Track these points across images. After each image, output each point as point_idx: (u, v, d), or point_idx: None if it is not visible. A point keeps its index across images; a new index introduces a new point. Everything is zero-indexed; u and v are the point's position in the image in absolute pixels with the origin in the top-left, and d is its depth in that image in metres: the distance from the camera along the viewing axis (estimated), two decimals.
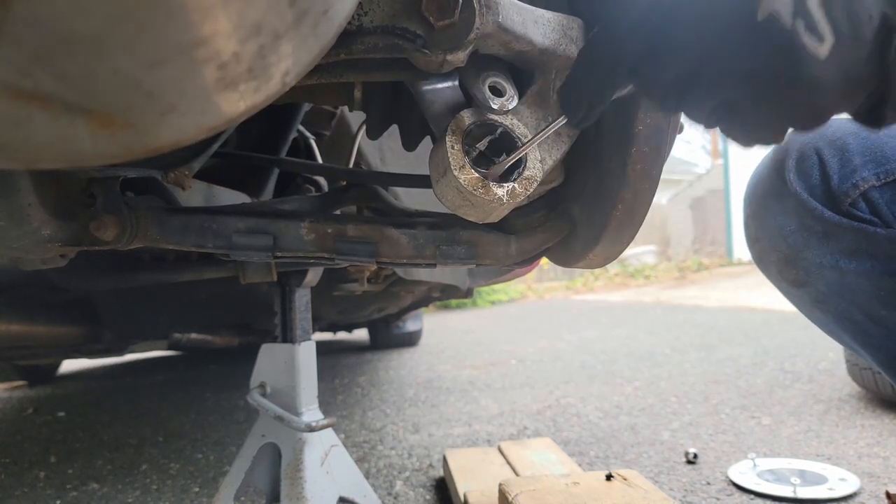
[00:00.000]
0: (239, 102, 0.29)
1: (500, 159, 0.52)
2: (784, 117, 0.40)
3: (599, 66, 0.45)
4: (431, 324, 5.30)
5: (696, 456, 1.46)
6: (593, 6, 0.57)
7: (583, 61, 0.47)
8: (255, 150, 0.96)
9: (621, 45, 0.43)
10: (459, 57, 0.48)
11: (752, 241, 0.83)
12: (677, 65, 0.41)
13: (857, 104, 0.40)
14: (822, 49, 0.36)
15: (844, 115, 0.43)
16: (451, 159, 0.50)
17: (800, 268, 0.76)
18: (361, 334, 4.18)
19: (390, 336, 3.80)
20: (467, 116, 0.52)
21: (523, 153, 0.52)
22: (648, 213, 0.69)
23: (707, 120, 0.43)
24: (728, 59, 0.39)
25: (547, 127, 0.51)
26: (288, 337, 1.16)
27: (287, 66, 0.30)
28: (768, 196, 0.78)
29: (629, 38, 0.42)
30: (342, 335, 4.40)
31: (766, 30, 0.37)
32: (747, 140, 0.43)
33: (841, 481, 1.26)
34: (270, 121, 0.97)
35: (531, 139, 0.51)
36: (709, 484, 1.32)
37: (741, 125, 0.42)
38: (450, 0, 0.46)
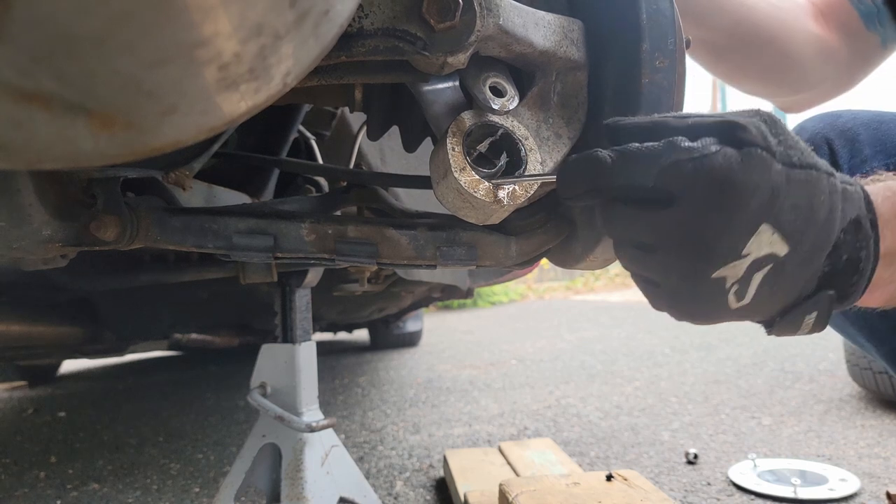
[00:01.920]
0: (240, 103, 0.29)
1: (501, 161, 0.52)
2: (678, 314, 0.49)
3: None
4: (432, 324, 5.30)
5: (696, 456, 1.46)
6: (594, 8, 0.57)
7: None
8: (256, 150, 0.96)
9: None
10: (460, 59, 0.48)
11: None
12: (645, 235, 0.47)
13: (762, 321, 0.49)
14: (736, 305, 0.45)
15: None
16: (451, 161, 0.50)
17: None
18: (362, 335, 4.18)
19: (390, 336, 3.80)
20: (468, 118, 0.52)
21: (526, 177, 0.53)
22: None
23: (637, 280, 0.51)
24: (669, 269, 0.46)
25: (543, 175, 0.52)
26: (288, 337, 1.16)
27: (288, 66, 0.30)
28: None
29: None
30: (342, 335, 4.40)
31: (710, 283, 0.43)
32: (657, 308, 0.51)
33: (841, 482, 1.26)
34: (271, 121, 0.97)
35: (535, 176, 0.52)
36: (709, 484, 1.32)
37: (652, 294, 0.50)
38: (451, 2, 0.46)
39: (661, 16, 0.54)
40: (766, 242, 0.42)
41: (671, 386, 2.33)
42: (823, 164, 0.44)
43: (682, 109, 0.58)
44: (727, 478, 1.34)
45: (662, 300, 0.48)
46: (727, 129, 0.41)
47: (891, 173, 0.53)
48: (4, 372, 2.94)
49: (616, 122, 0.47)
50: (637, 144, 0.43)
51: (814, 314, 0.46)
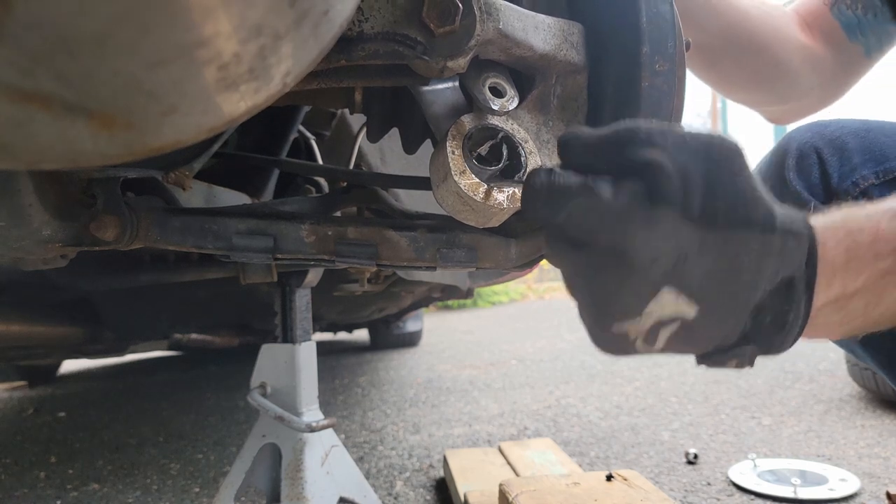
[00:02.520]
0: (240, 103, 0.29)
1: (501, 164, 0.52)
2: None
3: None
4: (432, 324, 5.30)
5: (696, 456, 1.46)
6: (594, 11, 0.57)
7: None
8: (256, 150, 0.96)
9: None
10: (460, 63, 0.48)
11: None
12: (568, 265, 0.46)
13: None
14: (646, 350, 0.43)
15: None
16: (451, 164, 0.50)
17: None
18: (362, 335, 4.18)
19: (390, 336, 3.80)
20: (468, 121, 0.52)
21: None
22: None
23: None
24: (580, 306, 0.46)
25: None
26: (288, 337, 1.16)
27: (288, 66, 0.30)
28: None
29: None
30: (342, 335, 4.40)
31: (613, 334, 0.42)
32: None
33: (841, 482, 1.26)
34: (271, 121, 0.97)
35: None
36: (709, 484, 1.32)
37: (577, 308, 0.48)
38: (450, 7, 0.46)
39: (662, 19, 0.54)
40: (670, 304, 0.40)
41: (671, 386, 2.33)
42: (766, 213, 0.40)
43: (682, 112, 0.58)
44: (727, 478, 1.34)
45: (581, 311, 0.47)
46: (652, 174, 0.38)
47: (870, 200, 0.50)
48: (4, 372, 2.94)
49: (569, 135, 0.43)
50: (560, 174, 0.40)
51: (734, 360, 0.44)
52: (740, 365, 0.44)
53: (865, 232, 0.43)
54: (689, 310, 0.40)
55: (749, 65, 0.91)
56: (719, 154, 0.39)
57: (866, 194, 0.72)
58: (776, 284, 0.41)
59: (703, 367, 0.46)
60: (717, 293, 0.40)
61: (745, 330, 0.42)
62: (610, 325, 0.42)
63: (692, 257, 0.38)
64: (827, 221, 0.44)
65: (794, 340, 0.44)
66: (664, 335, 0.41)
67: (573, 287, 0.44)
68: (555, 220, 0.40)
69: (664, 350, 0.43)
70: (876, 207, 0.45)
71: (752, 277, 0.40)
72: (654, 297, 0.39)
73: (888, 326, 0.46)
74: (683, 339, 0.42)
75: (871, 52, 0.90)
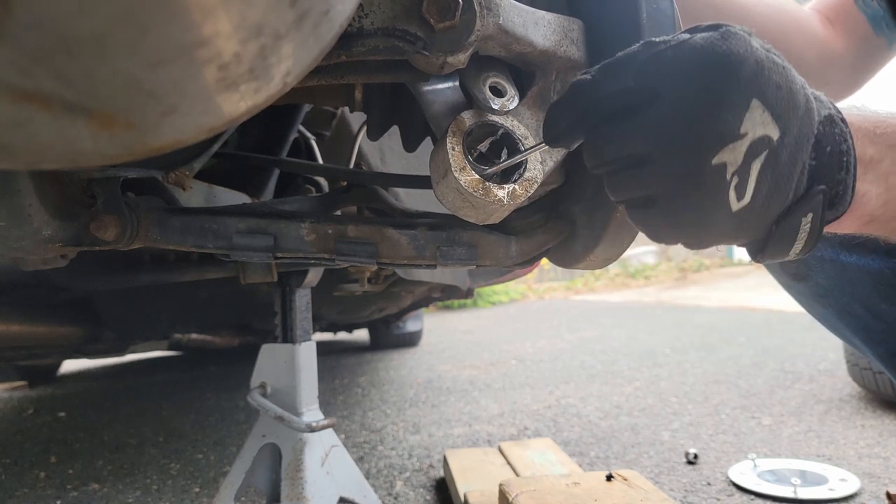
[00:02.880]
0: (240, 103, 0.29)
1: (501, 161, 0.52)
2: (677, 235, 0.47)
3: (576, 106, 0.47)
4: (432, 324, 5.30)
5: (696, 456, 1.46)
6: (594, 7, 0.57)
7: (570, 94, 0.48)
8: (256, 150, 0.96)
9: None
10: (460, 59, 0.48)
11: None
12: (633, 146, 0.45)
13: (745, 243, 0.48)
14: (737, 205, 0.43)
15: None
16: (451, 161, 0.50)
17: (801, 261, 0.76)
18: (362, 335, 4.18)
19: (390, 336, 3.80)
20: (468, 118, 0.52)
21: (518, 160, 0.52)
22: None
23: (629, 205, 0.49)
24: (666, 174, 0.44)
25: (535, 147, 0.51)
26: (288, 337, 1.16)
27: (288, 66, 0.30)
28: None
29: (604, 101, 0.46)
30: (342, 335, 4.40)
31: (711, 173, 0.42)
32: (654, 236, 0.49)
33: (841, 482, 1.26)
34: (271, 121, 0.97)
35: (528, 150, 0.51)
36: (709, 484, 1.32)
37: (648, 218, 0.48)
38: (450, 2, 0.46)
39: (662, 15, 0.54)
40: (759, 121, 0.41)
41: (671, 386, 2.33)
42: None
43: None
44: (727, 478, 1.34)
45: (659, 219, 0.46)
46: (700, 29, 0.43)
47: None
48: (4, 372, 2.94)
49: (582, 77, 0.46)
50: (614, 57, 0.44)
51: (809, 216, 0.44)
52: (812, 233, 0.45)
53: (876, 115, 0.48)
54: (773, 130, 0.42)
55: None
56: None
57: None
58: (822, 118, 0.45)
59: (761, 263, 0.46)
60: (789, 111, 0.42)
61: (811, 169, 0.44)
62: (711, 156, 0.41)
63: (766, 67, 0.41)
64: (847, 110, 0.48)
65: (853, 183, 0.45)
66: (755, 170, 0.42)
67: (658, 144, 0.43)
68: (626, 87, 0.43)
69: (753, 204, 0.43)
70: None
71: (806, 102, 0.43)
72: (747, 111, 0.41)
73: None
74: (770, 172, 0.42)
75: (894, 44, 0.90)
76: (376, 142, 0.82)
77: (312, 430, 1.07)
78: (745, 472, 1.34)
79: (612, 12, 0.55)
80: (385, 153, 1.11)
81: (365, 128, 0.74)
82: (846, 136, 0.45)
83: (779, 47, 0.92)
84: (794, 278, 0.79)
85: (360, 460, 1.61)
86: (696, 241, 0.46)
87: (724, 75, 0.40)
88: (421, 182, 0.80)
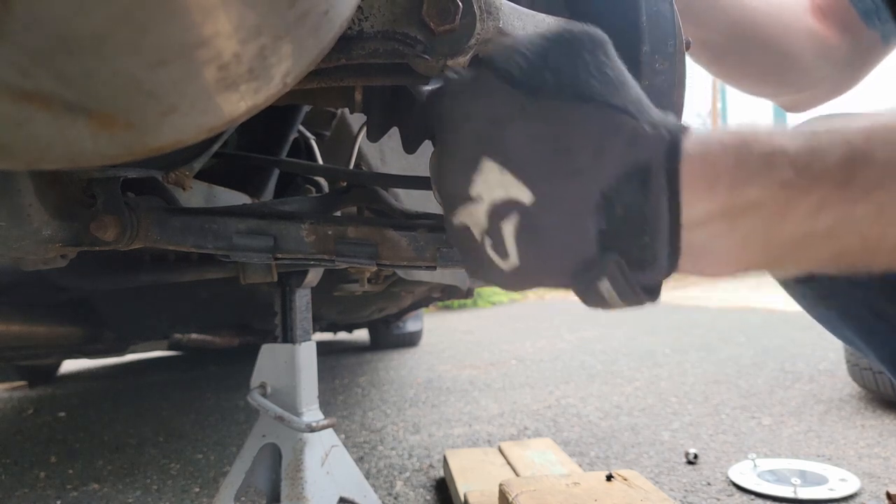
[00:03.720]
0: (239, 103, 0.29)
1: None
2: (487, 283, 0.44)
3: None
4: (432, 324, 5.30)
5: (696, 456, 1.46)
6: (593, 10, 0.57)
7: None
8: (256, 150, 0.96)
9: None
10: (460, 62, 0.48)
11: None
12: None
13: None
14: (505, 265, 0.38)
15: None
16: None
17: None
18: (362, 335, 4.18)
19: (390, 336, 3.80)
20: None
21: None
22: None
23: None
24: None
25: None
26: (288, 337, 1.16)
27: (287, 66, 0.30)
28: None
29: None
30: (342, 335, 4.40)
31: (460, 232, 0.40)
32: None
33: (841, 482, 1.26)
34: (271, 121, 0.97)
35: None
36: (709, 484, 1.32)
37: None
38: (450, 5, 0.46)
39: (662, 18, 0.54)
40: (497, 183, 0.36)
41: (671, 386, 2.33)
42: (617, 93, 0.36)
43: (682, 111, 0.58)
44: (727, 478, 1.34)
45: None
46: (487, 54, 0.37)
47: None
48: (4, 372, 2.94)
49: None
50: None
51: (605, 283, 0.37)
52: (622, 295, 0.37)
53: (761, 141, 0.36)
54: (521, 193, 0.36)
55: (755, 58, 0.90)
56: (570, 35, 0.37)
57: None
58: (627, 172, 0.35)
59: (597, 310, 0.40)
60: (550, 172, 0.35)
61: (602, 232, 0.36)
62: (452, 218, 0.39)
63: (506, 124, 0.36)
64: (718, 131, 0.38)
65: (670, 254, 0.36)
66: (509, 232, 0.37)
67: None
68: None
69: (525, 265, 0.37)
70: (778, 127, 0.38)
71: (591, 158, 0.35)
72: (476, 171, 0.36)
73: (799, 265, 0.37)
74: (531, 237, 0.37)
75: (889, 39, 0.89)
76: (376, 143, 0.82)
77: (312, 430, 1.07)
78: (745, 472, 1.34)
79: (611, 15, 0.55)
80: (385, 153, 1.11)
81: (365, 129, 0.74)
82: (659, 193, 0.35)
83: (777, 42, 0.89)
84: (797, 280, 0.79)
85: (360, 460, 1.61)
86: (511, 289, 0.42)
87: (449, 132, 0.37)
88: (421, 183, 0.80)
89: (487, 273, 0.40)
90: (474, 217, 0.38)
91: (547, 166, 0.35)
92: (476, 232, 0.38)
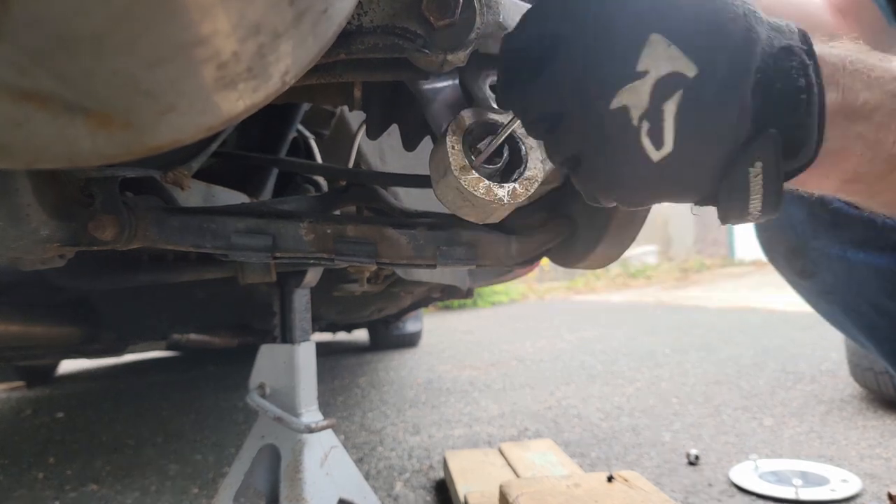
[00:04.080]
0: (238, 102, 0.29)
1: (501, 160, 0.52)
2: (606, 192, 0.43)
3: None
4: (432, 324, 5.30)
5: (697, 457, 1.46)
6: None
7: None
8: (255, 149, 0.96)
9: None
10: (460, 57, 0.48)
11: (760, 230, 0.82)
12: (544, 104, 0.42)
13: (695, 201, 0.42)
14: (657, 154, 0.38)
15: None
16: (451, 160, 0.50)
17: (807, 258, 0.76)
18: (361, 335, 4.17)
19: (390, 337, 3.79)
20: (468, 117, 0.52)
21: (500, 141, 0.51)
22: (650, 214, 0.68)
23: (563, 166, 0.45)
24: (577, 127, 0.41)
25: (510, 122, 0.50)
26: (287, 337, 1.16)
27: (286, 65, 0.30)
28: None
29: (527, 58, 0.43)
30: (342, 336, 4.40)
31: (613, 119, 0.38)
32: (588, 198, 0.45)
33: (843, 482, 1.26)
34: (270, 120, 0.97)
35: (506, 125, 0.51)
36: (710, 485, 1.32)
37: (579, 179, 0.44)
38: (450, 0, 0.46)
39: None
40: (664, 57, 0.36)
41: (672, 387, 2.33)
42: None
43: None
44: (728, 479, 1.33)
45: (586, 178, 0.43)
46: None
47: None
48: (3, 372, 2.93)
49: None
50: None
51: (758, 166, 0.37)
52: (767, 177, 0.37)
53: (873, 57, 0.39)
54: (687, 67, 0.36)
55: None
56: None
57: None
58: (775, 51, 0.37)
59: (726, 224, 0.40)
60: (712, 45, 0.36)
61: (757, 110, 0.37)
62: (608, 100, 0.37)
63: (679, 1, 0.37)
64: (834, 42, 0.40)
65: (818, 124, 0.37)
66: (670, 111, 0.37)
67: (560, 94, 0.40)
68: (528, 37, 0.41)
69: (678, 152, 0.37)
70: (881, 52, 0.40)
71: (744, 34, 0.37)
72: (645, 45, 0.36)
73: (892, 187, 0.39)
74: (693, 116, 0.37)
75: None
76: (376, 141, 0.81)
77: (312, 430, 1.06)
78: (747, 473, 1.34)
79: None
80: (384, 152, 1.11)
81: (364, 127, 0.74)
82: (807, 70, 0.37)
83: None
84: (801, 276, 0.79)
85: (359, 461, 1.61)
86: (628, 198, 0.42)
87: (616, 9, 0.37)
88: (421, 181, 0.80)
89: (630, 167, 0.39)
90: (637, 95, 0.37)
91: (708, 39, 0.36)
92: (635, 115, 0.37)
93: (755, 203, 0.38)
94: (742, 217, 0.39)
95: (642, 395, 2.22)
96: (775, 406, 1.94)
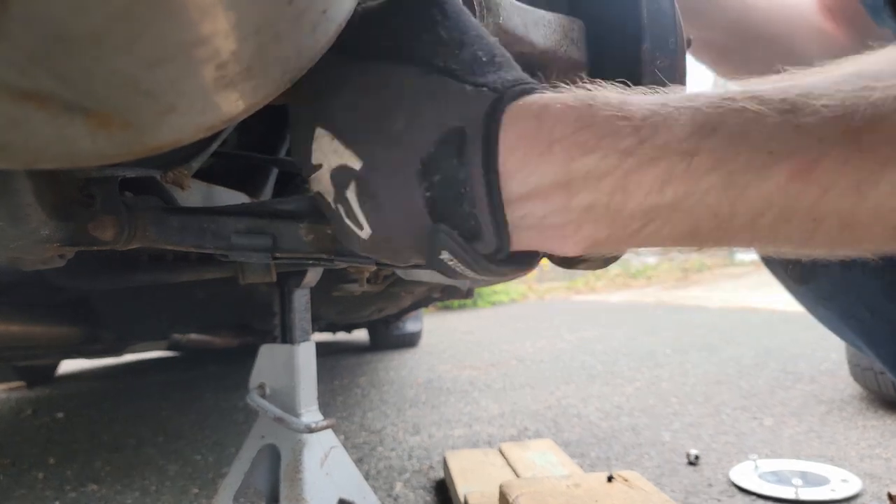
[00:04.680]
0: (238, 102, 0.29)
1: None
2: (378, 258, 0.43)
3: None
4: (431, 324, 5.30)
5: (697, 457, 1.46)
6: (594, 7, 0.57)
7: None
8: (255, 149, 0.96)
9: None
10: None
11: None
12: None
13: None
14: (363, 233, 0.38)
15: None
16: None
17: (804, 264, 0.76)
18: (361, 335, 4.18)
19: (390, 337, 3.79)
20: None
21: None
22: None
23: None
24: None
25: None
26: (287, 337, 1.16)
27: (286, 65, 0.30)
28: None
29: None
30: (342, 336, 4.40)
31: (318, 201, 0.40)
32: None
33: (843, 482, 1.26)
34: (270, 120, 0.97)
35: None
36: (710, 485, 1.32)
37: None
38: None
39: (663, 15, 0.54)
40: (330, 150, 0.37)
41: (672, 386, 2.33)
42: (444, 53, 0.35)
43: None
44: (728, 479, 1.33)
45: None
46: None
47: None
48: (3, 372, 2.93)
49: None
50: None
51: (446, 254, 0.35)
52: (461, 261, 0.34)
53: (610, 104, 0.32)
54: (352, 160, 0.36)
55: (760, 57, 0.89)
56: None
57: None
58: (445, 135, 0.33)
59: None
60: (372, 138, 0.35)
61: (430, 200, 0.34)
62: (307, 185, 0.41)
63: (338, 91, 0.36)
64: (568, 93, 0.34)
65: (497, 227, 0.33)
66: (352, 198, 0.37)
67: None
68: None
69: (376, 234, 0.37)
70: (633, 91, 0.34)
71: (407, 122, 0.34)
72: (313, 140, 0.38)
73: (652, 241, 0.34)
74: (370, 203, 0.36)
75: None
76: None
77: (311, 430, 1.06)
78: (747, 473, 1.34)
79: (613, 12, 0.55)
80: None
81: None
82: (466, 159, 0.32)
83: (782, 41, 0.89)
84: (798, 281, 0.79)
85: (359, 461, 1.61)
86: (374, 256, 0.42)
87: (294, 101, 0.39)
88: None
89: (351, 242, 0.40)
90: (322, 184, 0.39)
91: (369, 132, 0.35)
92: (329, 200, 0.39)
93: (473, 275, 0.36)
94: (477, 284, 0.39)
95: (642, 394, 2.22)
96: (775, 406, 1.94)
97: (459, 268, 0.35)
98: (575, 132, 0.32)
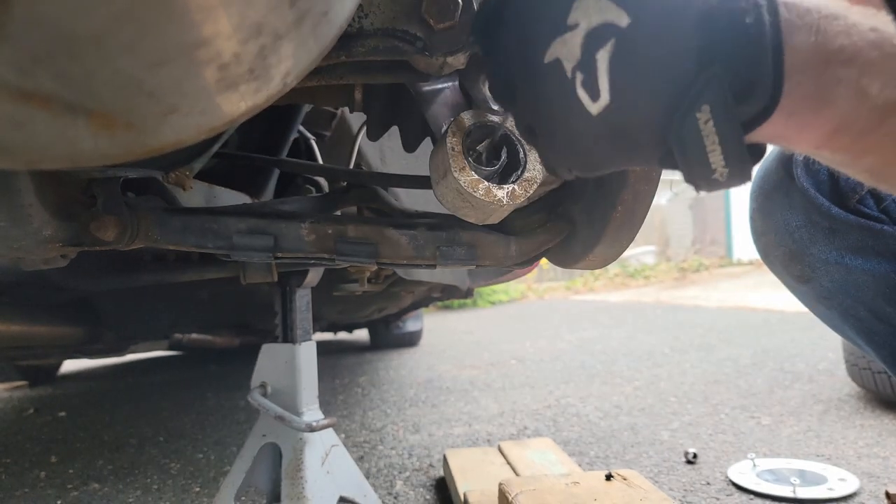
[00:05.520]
0: (240, 103, 0.29)
1: (501, 161, 0.52)
2: (559, 158, 0.41)
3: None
4: (432, 324, 5.30)
5: (695, 456, 1.46)
6: None
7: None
8: (256, 150, 0.97)
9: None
10: (460, 59, 0.48)
11: (758, 235, 0.83)
12: (500, 73, 0.42)
13: (645, 161, 0.38)
14: (595, 107, 0.36)
15: None
16: (451, 161, 0.51)
17: (805, 263, 0.76)
18: (362, 334, 4.18)
19: (390, 336, 3.80)
20: (467, 118, 0.52)
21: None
22: (648, 214, 0.69)
23: (524, 136, 0.44)
24: (523, 92, 0.40)
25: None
26: (288, 337, 1.16)
27: (288, 66, 0.30)
28: (775, 191, 0.78)
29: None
30: (342, 335, 4.40)
31: (548, 74, 0.37)
32: (548, 169, 0.44)
33: (840, 481, 1.26)
34: (271, 121, 0.97)
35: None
36: (708, 484, 1.32)
37: (538, 150, 0.43)
38: (450, 3, 0.46)
39: None
40: (594, 9, 0.35)
41: (671, 386, 2.33)
42: None
43: None
44: (726, 477, 1.34)
45: (541, 147, 0.42)
46: None
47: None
48: (5, 372, 2.94)
49: None
50: None
51: (706, 110, 0.33)
52: (718, 123, 0.33)
53: (848, 8, 0.35)
54: (619, 16, 0.35)
55: None
56: None
57: (874, 193, 0.71)
58: None
59: (702, 191, 0.35)
60: None
61: (702, 48, 0.33)
62: (541, 54, 0.37)
63: None
64: None
65: (776, 76, 0.33)
66: (603, 62, 0.35)
67: (504, 57, 0.39)
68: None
69: (617, 103, 0.35)
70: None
71: None
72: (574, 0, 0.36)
73: (889, 135, 0.34)
74: (626, 63, 0.35)
75: None
76: (376, 142, 0.82)
77: (312, 429, 1.07)
78: (745, 472, 1.34)
79: None
80: (385, 153, 1.11)
81: (365, 128, 0.74)
82: (758, 7, 0.32)
83: None
84: (798, 280, 0.79)
85: (360, 460, 1.61)
86: (578, 161, 0.40)
87: None
88: (421, 182, 0.80)
89: (570, 123, 0.37)
90: (568, 47, 0.36)
91: None
92: (568, 67, 0.37)
93: (715, 157, 0.34)
94: (707, 177, 0.34)
95: (641, 394, 2.22)
96: (773, 405, 1.94)
97: (710, 137, 0.33)
98: (830, 14, 0.33)
